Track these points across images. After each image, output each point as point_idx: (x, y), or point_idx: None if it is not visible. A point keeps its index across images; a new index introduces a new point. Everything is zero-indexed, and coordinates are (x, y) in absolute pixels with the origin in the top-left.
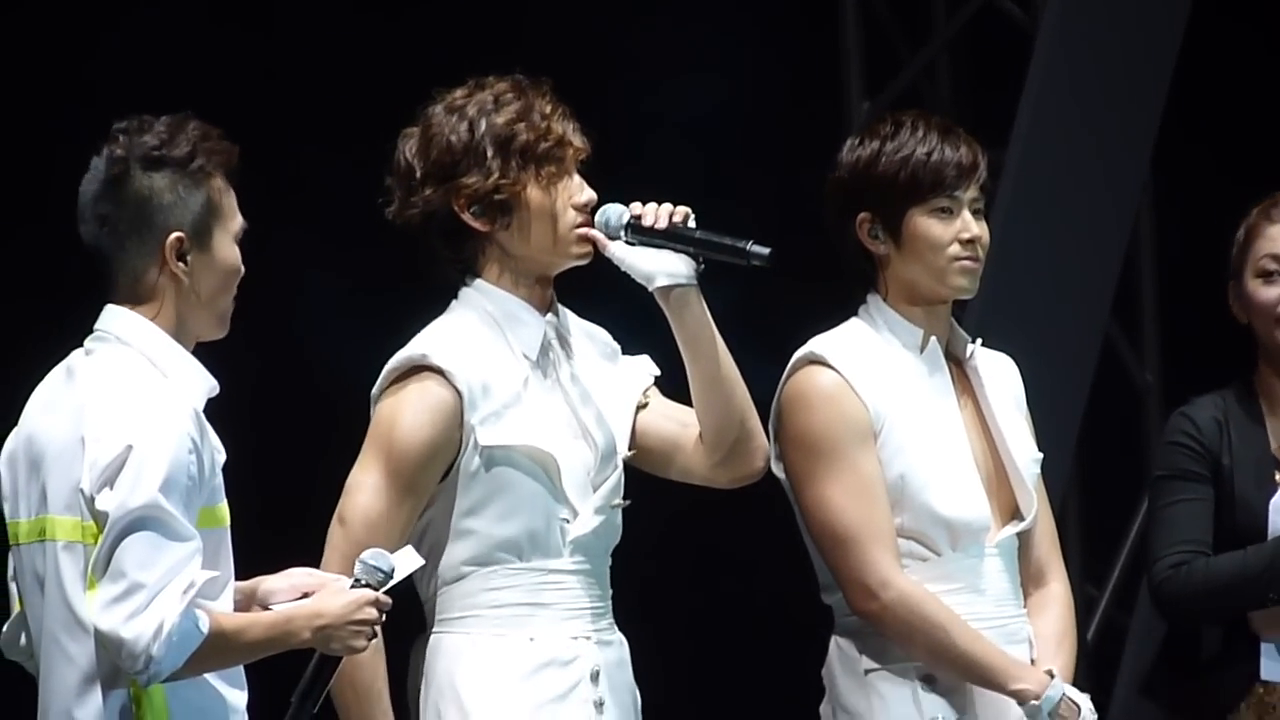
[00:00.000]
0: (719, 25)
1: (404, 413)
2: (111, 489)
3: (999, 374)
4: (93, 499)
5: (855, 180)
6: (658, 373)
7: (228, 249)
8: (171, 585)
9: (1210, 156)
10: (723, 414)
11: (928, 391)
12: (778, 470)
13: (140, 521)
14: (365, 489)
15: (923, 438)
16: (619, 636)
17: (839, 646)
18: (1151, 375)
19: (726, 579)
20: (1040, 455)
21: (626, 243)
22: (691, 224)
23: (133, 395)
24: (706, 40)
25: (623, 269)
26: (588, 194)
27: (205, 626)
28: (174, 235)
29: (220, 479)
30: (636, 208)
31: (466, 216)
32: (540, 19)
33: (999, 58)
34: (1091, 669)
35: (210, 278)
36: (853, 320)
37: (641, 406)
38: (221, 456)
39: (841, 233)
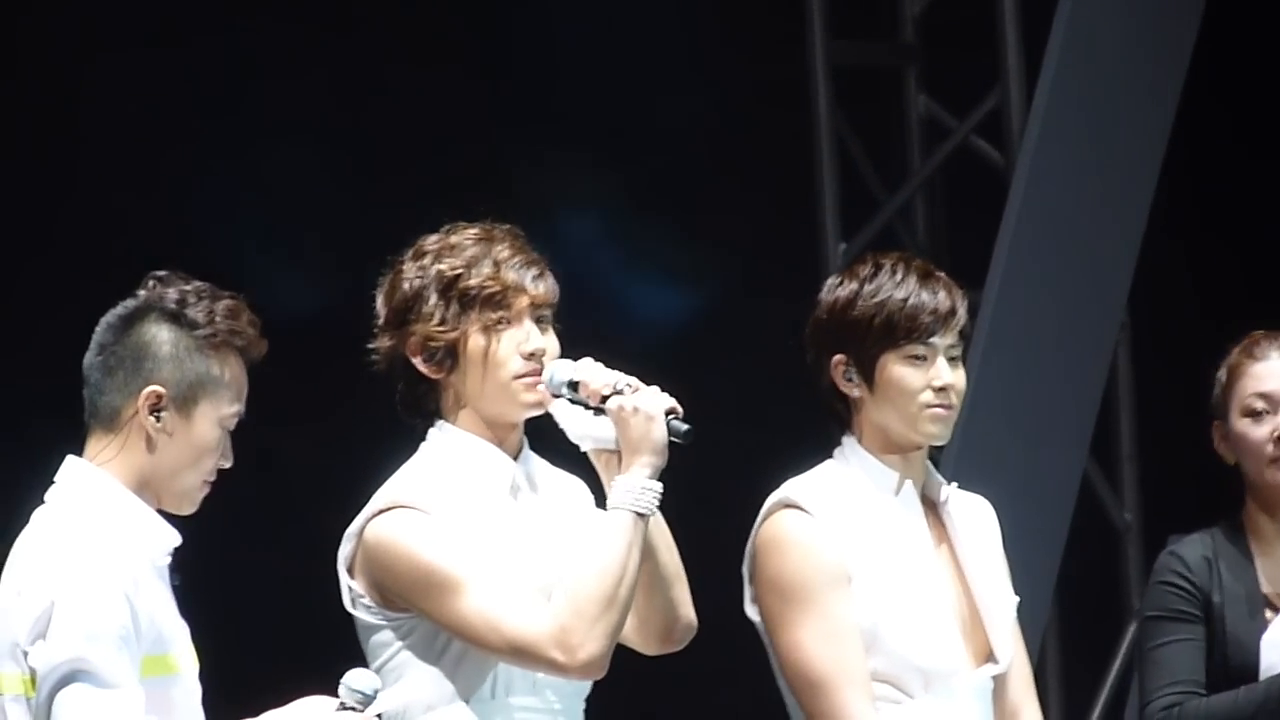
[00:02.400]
0: (693, 164)
1: (409, 518)
2: (43, 642)
3: (975, 517)
4: (25, 654)
5: (831, 321)
6: None
7: (207, 429)
8: None
9: (1187, 295)
10: (648, 583)
11: (902, 535)
12: (752, 614)
13: (71, 675)
14: (457, 586)
15: (896, 582)
16: None
17: None
18: (1130, 515)
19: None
20: (1016, 599)
21: (568, 400)
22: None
23: (61, 549)
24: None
25: (560, 426)
26: (535, 343)
27: None
28: (152, 388)
29: (171, 626)
30: (583, 368)
31: (418, 362)
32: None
33: (975, 198)
34: None
35: (178, 447)
36: (827, 462)
37: None
38: (163, 603)
39: (818, 372)
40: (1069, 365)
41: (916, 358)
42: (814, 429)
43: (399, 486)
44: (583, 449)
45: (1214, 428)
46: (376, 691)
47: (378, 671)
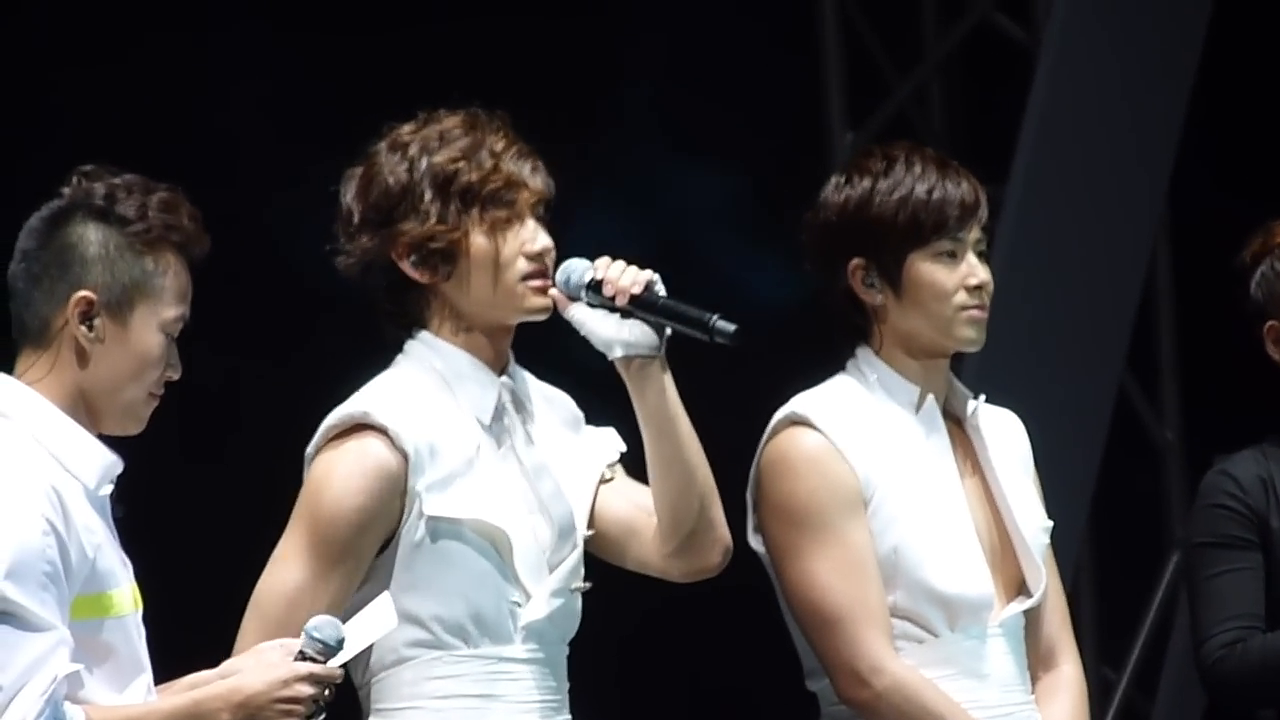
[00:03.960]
0: (691, 48)
1: (336, 473)
2: None
3: (1004, 434)
4: None
5: (846, 223)
6: (624, 448)
7: (148, 335)
8: (31, 684)
9: (1233, 186)
10: (680, 499)
11: (924, 455)
12: (756, 544)
13: None
14: (287, 562)
15: (919, 506)
16: None
17: None
18: (1171, 432)
19: (699, 666)
20: (1050, 523)
21: (588, 304)
22: (660, 289)
23: None
24: (678, 64)
25: (581, 333)
26: (542, 242)
27: None
28: (82, 293)
29: (109, 563)
30: (602, 266)
31: (405, 266)
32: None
33: (996, 80)
34: None
35: (116, 358)
36: (840, 376)
37: (605, 482)
38: (100, 539)
39: (829, 280)
40: (1103, 266)
41: (947, 254)
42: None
43: (362, 399)
44: (610, 357)
45: (1267, 330)
46: (341, 642)
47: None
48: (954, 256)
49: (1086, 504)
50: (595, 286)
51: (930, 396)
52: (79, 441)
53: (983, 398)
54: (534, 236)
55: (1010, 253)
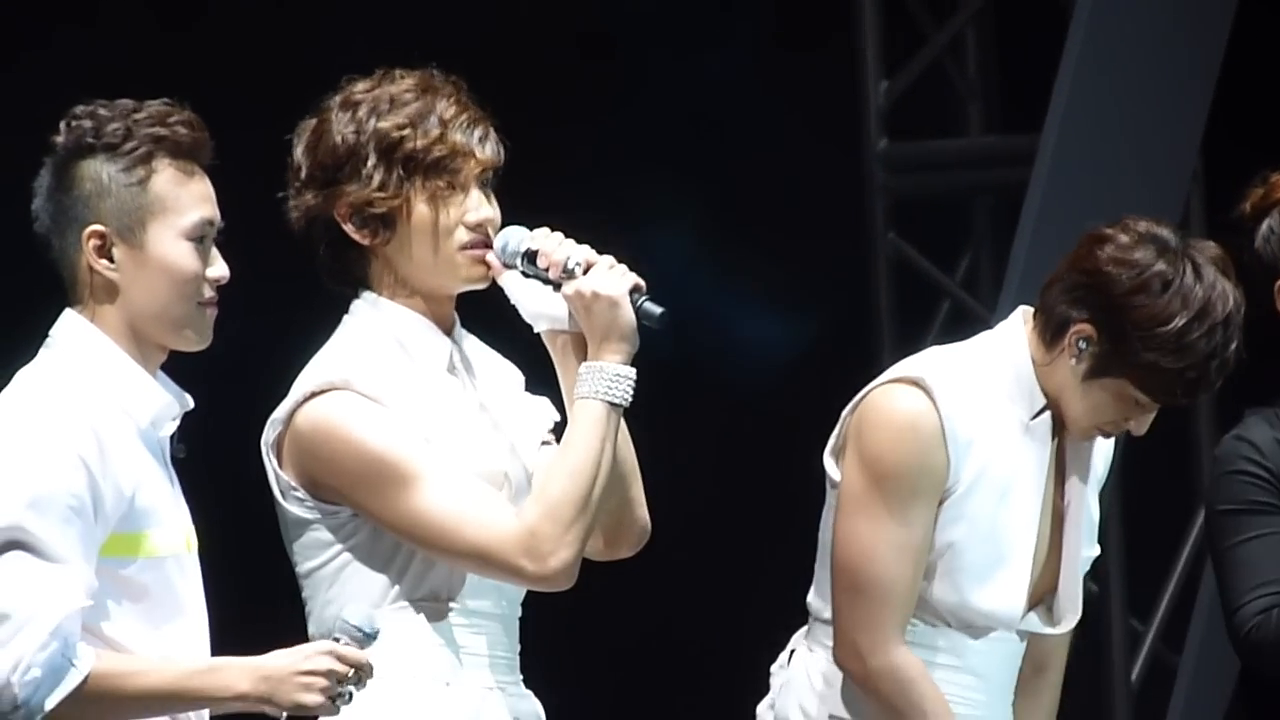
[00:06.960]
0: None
1: (354, 404)
2: None
3: (1096, 445)
4: None
5: (1111, 301)
6: (558, 418)
7: (169, 247)
8: (40, 617)
9: (1267, 141)
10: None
11: (1019, 462)
12: (830, 464)
13: (9, 543)
14: (415, 482)
15: (990, 514)
16: (530, 693)
17: (811, 674)
18: None
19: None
20: (1096, 552)
21: (522, 273)
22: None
23: (17, 409)
24: (706, 14)
25: (511, 301)
26: (484, 213)
27: (85, 665)
28: (90, 229)
29: (151, 503)
30: (540, 236)
31: (348, 227)
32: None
33: (1031, 29)
34: (1135, 714)
35: (147, 280)
36: (970, 348)
37: (543, 444)
38: (141, 477)
39: (1055, 306)
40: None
41: None
42: None
43: (330, 365)
44: (537, 329)
45: (1277, 289)
46: (376, 631)
47: (309, 576)
48: None
49: (1116, 456)
50: (531, 256)
51: (1049, 414)
52: (133, 379)
53: None
54: (476, 206)
55: (1043, 202)
